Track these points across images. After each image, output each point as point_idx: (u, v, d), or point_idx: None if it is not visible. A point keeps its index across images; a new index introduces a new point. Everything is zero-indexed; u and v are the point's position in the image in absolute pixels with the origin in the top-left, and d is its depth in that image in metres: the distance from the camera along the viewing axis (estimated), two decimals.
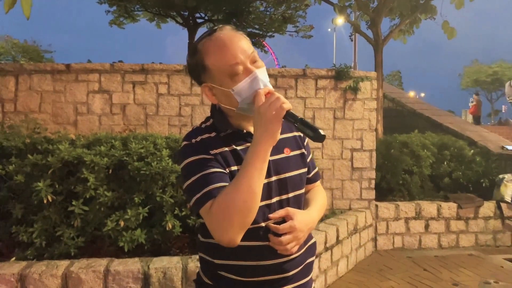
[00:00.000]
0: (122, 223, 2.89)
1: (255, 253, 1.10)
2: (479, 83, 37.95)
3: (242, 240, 1.06)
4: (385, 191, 5.40)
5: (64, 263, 2.64)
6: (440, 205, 5.18)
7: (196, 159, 1.06)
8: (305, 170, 1.23)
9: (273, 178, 1.12)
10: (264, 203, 1.09)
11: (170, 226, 2.95)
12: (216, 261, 1.14)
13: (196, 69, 1.12)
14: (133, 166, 3.02)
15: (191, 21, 10.19)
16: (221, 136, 1.12)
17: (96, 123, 4.52)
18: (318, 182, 1.37)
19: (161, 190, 3.03)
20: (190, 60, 1.14)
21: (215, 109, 1.19)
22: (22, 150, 3.25)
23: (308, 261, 1.21)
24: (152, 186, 3.02)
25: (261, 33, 11.06)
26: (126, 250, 2.86)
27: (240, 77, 1.05)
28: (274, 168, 1.13)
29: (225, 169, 1.06)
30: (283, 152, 1.17)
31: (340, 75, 4.87)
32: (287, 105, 0.98)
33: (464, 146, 6.20)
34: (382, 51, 7.33)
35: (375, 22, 7.36)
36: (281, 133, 1.09)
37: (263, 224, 1.10)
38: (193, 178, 1.04)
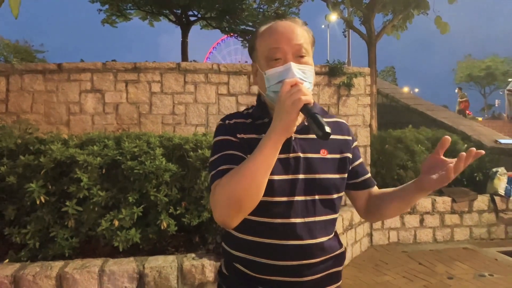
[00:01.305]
0: (116, 223, 2.87)
1: (271, 251, 1.07)
2: (473, 77, 38.20)
3: (256, 235, 1.07)
4: (380, 186, 5.37)
5: (58, 264, 2.63)
6: (435, 200, 5.21)
7: (223, 139, 1.11)
8: (343, 175, 1.17)
9: (301, 176, 1.09)
10: (285, 199, 1.07)
11: (165, 225, 2.94)
12: (233, 252, 1.14)
13: (250, 48, 1.20)
14: (127, 165, 3.01)
15: (184, 19, 10.15)
16: (256, 124, 1.14)
17: (89, 122, 4.48)
18: (376, 188, 1.30)
19: (155, 189, 3.02)
20: (250, 39, 1.23)
21: (259, 98, 1.21)
22: (13, 151, 3.21)
23: (333, 270, 1.15)
24: (146, 185, 3.00)
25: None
26: (121, 249, 2.85)
27: (276, 64, 1.07)
28: (304, 166, 1.10)
29: (246, 154, 1.05)
30: (319, 153, 1.13)
31: (333, 71, 4.87)
32: (306, 98, 0.95)
33: (457, 140, 6.24)
34: (376, 47, 7.35)
35: (368, 18, 7.37)
36: None
37: (278, 221, 1.06)
38: (215, 156, 1.09)
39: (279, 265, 1.07)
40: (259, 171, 0.95)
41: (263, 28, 1.15)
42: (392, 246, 5.00)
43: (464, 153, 0.98)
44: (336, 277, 1.17)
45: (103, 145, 3.25)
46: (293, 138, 1.10)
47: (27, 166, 3.00)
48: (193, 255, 2.84)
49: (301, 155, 1.10)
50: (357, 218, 4.63)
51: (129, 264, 2.64)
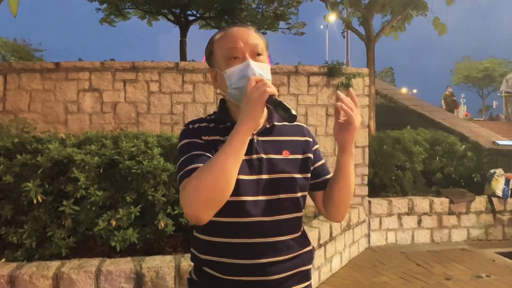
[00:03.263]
0: (113, 223, 2.86)
1: (236, 250, 1.10)
2: (471, 79, 38.31)
3: (223, 236, 1.10)
4: (378, 187, 5.42)
5: (55, 264, 2.62)
6: (433, 201, 5.22)
7: (188, 141, 1.14)
8: (306, 175, 1.21)
9: (264, 176, 1.12)
10: (250, 198, 1.10)
11: (163, 225, 2.93)
12: (201, 256, 1.16)
13: (207, 55, 1.24)
14: (124, 165, 2.99)
15: (182, 19, 10.12)
16: (219, 128, 1.17)
17: (86, 122, 4.47)
18: None
19: (153, 189, 3.01)
20: (206, 47, 1.24)
21: (221, 103, 1.26)
22: (11, 150, 3.20)
23: (301, 269, 1.18)
24: (143, 185, 2.99)
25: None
26: (118, 249, 2.84)
27: (235, 62, 1.12)
28: (267, 166, 1.13)
29: (212, 155, 1.09)
30: (281, 154, 1.17)
31: (332, 71, 4.87)
32: (271, 89, 1.00)
33: (455, 141, 6.24)
34: (374, 48, 7.35)
35: (366, 19, 7.38)
36: (287, 136, 1.19)
37: (245, 220, 1.09)
38: (182, 158, 1.11)
39: (246, 264, 1.09)
40: (228, 161, 0.97)
41: (219, 34, 1.20)
42: (390, 247, 5.01)
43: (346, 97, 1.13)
44: (305, 276, 1.20)
45: (100, 145, 3.23)
46: (255, 140, 1.15)
47: (24, 165, 2.99)
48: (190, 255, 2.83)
49: (264, 156, 1.14)
50: (354, 219, 4.63)
51: (126, 264, 2.63)
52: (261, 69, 1.11)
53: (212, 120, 1.20)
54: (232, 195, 1.02)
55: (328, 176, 1.29)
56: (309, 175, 1.22)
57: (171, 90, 4.59)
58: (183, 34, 10.08)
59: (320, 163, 1.28)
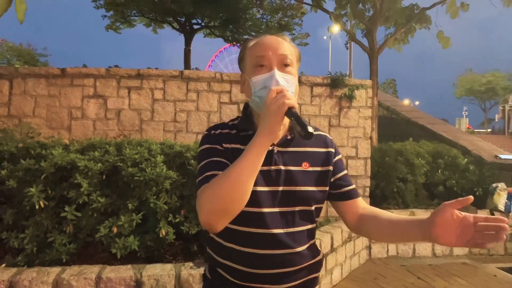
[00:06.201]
0: (115, 230, 2.86)
1: (252, 260, 1.10)
2: (473, 92, 38.38)
3: (237, 244, 1.11)
4: (379, 199, 5.41)
5: (55, 270, 2.61)
6: None
7: (209, 147, 1.14)
8: (323, 188, 1.20)
9: (280, 188, 1.12)
10: (266, 210, 1.10)
11: (164, 233, 2.93)
12: (217, 257, 1.18)
13: (239, 60, 1.25)
14: (127, 172, 3.00)
15: (187, 27, 10.22)
16: (240, 135, 1.17)
17: (90, 128, 4.49)
18: (361, 200, 1.27)
19: (155, 197, 3.01)
20: (239, 52, 1.26)
21: (245, 109, 1.25)
22: (14, 154, 3.21)
23: (310, 276, 1.19)
24: (146, 192, 3.00)
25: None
26: (118, 256, 2.83)
27: (261, 70, 1.12)
28: (285, 178, 1.13)
29: (231, 162, 1.07)
30: (301, 166, 1.16)
31: (335, 83, 4.89)
32: (290, 101, 0.99)
33: (458, 154, 6.24)
34: (377, 60, 7.39)
35: (370, 31, 7.43)
36: (307, 146, 1.18)
37: (260, 231, 1.09)
38: (202, 163, 1.12)
39: (259, 273, 1.10)
40: (244, 173, 0.98)
41: (252, 41, 1.21)
42: (391, 259, 4.97)
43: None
44: (313, 282, 1.21)
45: (104, 151, 3.24)
46: (275, 151, 1.14)
47: (28, 170, 3.00)
48: (190, 264, 2.82)
49: (282, 167, 1.13)
50: None
51: (126, 272, 2.62)
52: (285, 81, 1.10)
53: (234, 127, 1.20)
54: (250, 205, 1.03)
55: (351, 187, 1.26)
56: (326, 188, 1.21)
57: (175, 98, 4.62)
58: (188, 42, 10.18)
59: (341, 174, 1.25)
